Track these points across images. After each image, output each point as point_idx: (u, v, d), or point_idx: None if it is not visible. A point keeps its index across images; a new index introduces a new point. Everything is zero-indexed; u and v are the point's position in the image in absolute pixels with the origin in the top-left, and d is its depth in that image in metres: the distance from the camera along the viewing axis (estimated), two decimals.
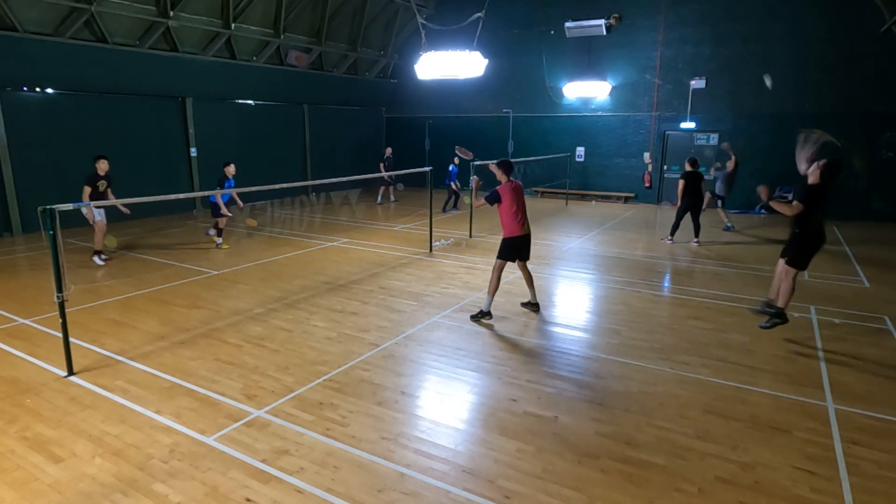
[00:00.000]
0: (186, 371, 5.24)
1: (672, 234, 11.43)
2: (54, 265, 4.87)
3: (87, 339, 5.97)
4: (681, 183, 10.97)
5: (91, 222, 9.17)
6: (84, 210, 8.87)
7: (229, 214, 10.47)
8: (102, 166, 9.07)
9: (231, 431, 4.19)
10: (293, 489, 3.52)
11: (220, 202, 10.21)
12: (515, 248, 6.75)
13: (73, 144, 12.33)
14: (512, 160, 6.90)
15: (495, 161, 6.83)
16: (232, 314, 6.87)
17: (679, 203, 11.09)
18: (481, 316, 6.68)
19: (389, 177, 15.73)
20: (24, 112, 11.79)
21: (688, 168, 11.03)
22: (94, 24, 12.11)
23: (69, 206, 5.04)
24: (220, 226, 10.52)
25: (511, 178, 6.69)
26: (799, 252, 5.96)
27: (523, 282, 7.22)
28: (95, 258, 9.29)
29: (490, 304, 6.70)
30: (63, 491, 3.50)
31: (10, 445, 4.00)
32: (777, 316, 6.12)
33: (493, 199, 6.59)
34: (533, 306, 7.09)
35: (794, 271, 5.98)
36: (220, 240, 10.60)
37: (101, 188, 9.05)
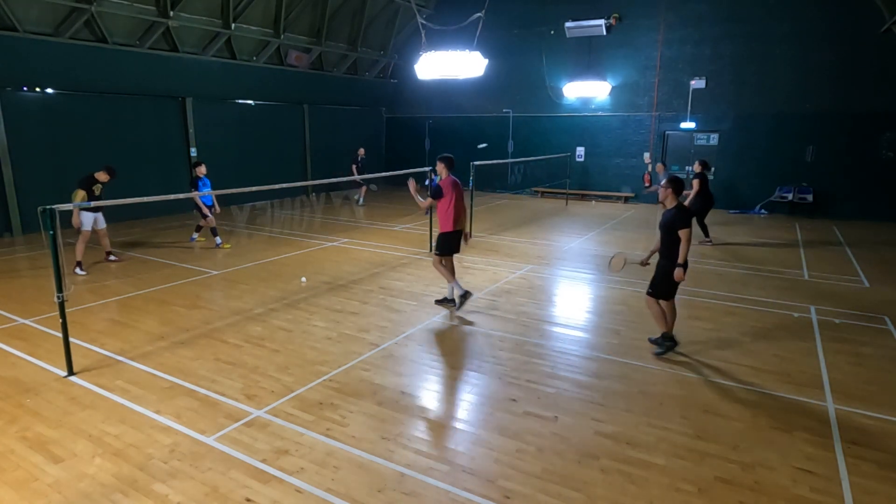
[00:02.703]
0: (186, 371, 5.24)
1: (707, 234, 11.26)
2: (54, 265, 4.88)
3: (87, 339, 5.97)
4: (695, 183, 10.78)
5: (78, 229, 8.58)
6: (75, 218, 8.47)
7: (209, 216, 10.36)
8: (103, 177, 8.67)
9: (231, 431, 4.19)
10: (293, 489, 3.52)
11: (200, 202, 10.18)
12: (450, 243, 6.85)
13: (73, 144, 12.33)
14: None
15: (438, 156, 6.91)
16: (232, 314, 6.87)
17: (693, 204, 10.69)
18: (445, 302, 6.90)
19: (362, 179, 15.36)
20: (24, 112, 11.79)
21: (700, 169, 10.91)
22: (93, 24, 12.11)
23: (69, 206, 5.06)
24: (211, 225, 10.50)
25: (451, 174, 6.79)
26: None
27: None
28: (77, 270, 8.57)
29: (452, 290, 6.84)
30: (63, 491, 3.50)
31: (10, 445, 4.00)
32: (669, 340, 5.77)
33: (437, 194, 6.67)
34: (449, 302, 7.07)
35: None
36: (219, 239, 10.60)
37: (98, 191, 8.62)
